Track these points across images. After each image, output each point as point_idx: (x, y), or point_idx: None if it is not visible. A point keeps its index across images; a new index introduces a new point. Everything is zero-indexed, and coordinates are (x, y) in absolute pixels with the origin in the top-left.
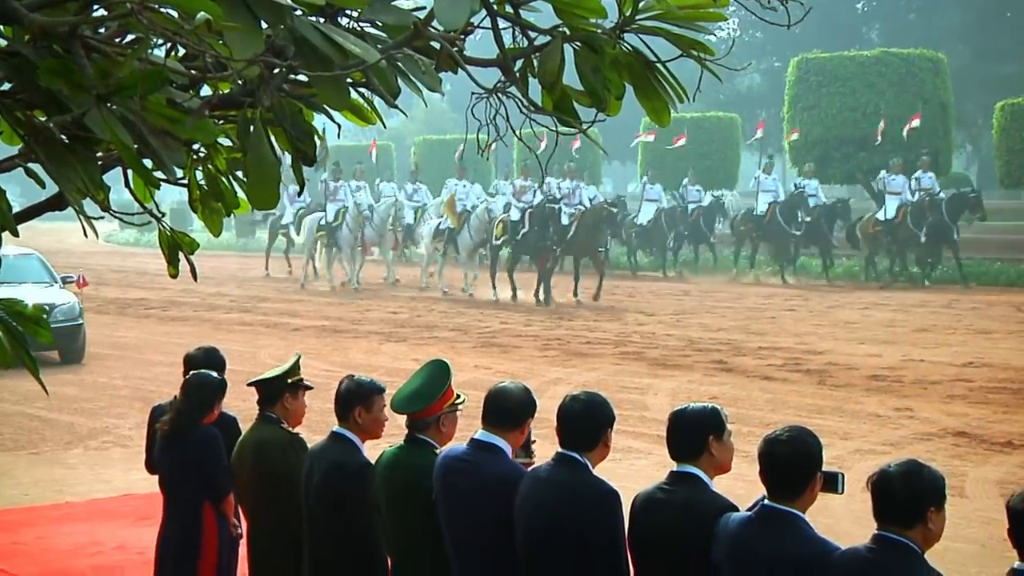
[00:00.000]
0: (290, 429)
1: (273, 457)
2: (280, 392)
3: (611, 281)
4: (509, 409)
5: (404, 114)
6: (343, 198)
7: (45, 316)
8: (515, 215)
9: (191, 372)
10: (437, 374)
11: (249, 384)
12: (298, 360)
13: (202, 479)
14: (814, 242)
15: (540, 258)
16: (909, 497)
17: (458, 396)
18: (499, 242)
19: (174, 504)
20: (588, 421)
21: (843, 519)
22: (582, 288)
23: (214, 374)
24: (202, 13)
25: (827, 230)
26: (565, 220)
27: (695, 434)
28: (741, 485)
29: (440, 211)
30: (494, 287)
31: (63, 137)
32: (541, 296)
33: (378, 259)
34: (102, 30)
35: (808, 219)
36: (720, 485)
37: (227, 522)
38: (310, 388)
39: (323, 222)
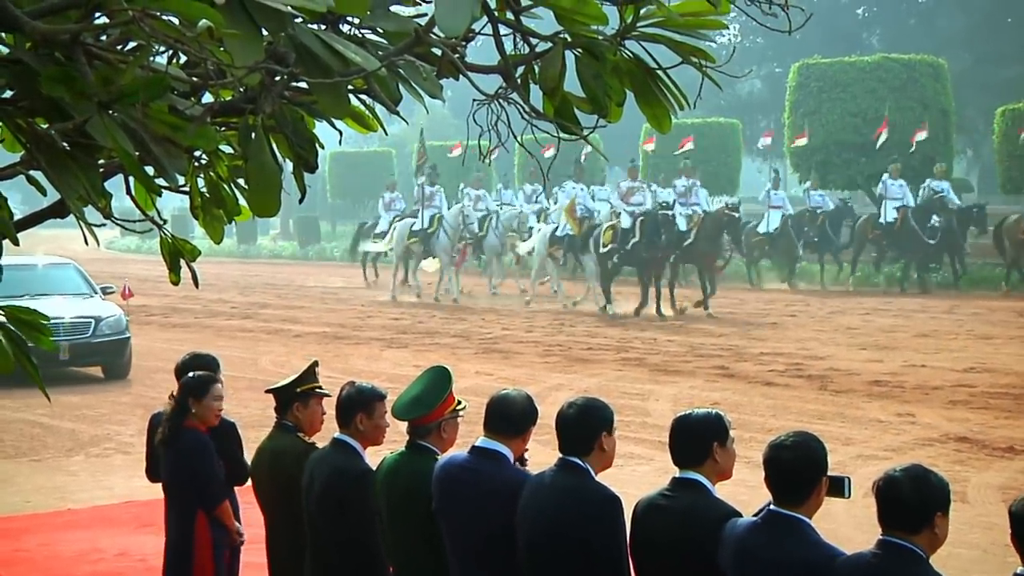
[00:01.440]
0: (306, 439)
1: (287, 466)
2: (290, 400)
3: (728, 293)
4: (511, 416)
5: (405, 121)
6: (438, 204)
7: (45, 322)
8: (626, 221)
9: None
10: (438, 380)
11: (267, 391)
12: (311, 367)
13: (195, 487)
14: (948, 250)
15: (649, 268)
16: (918, 502)
17: (459, 402)
18: (606, 250)
19: (172, 511)
20: (583, 426)
21: (845, 524)
22: (678, 298)
23: (194, 375)
24: (204, 20)
25: (962, 237)
26: (683, 225)
27: (699, 440)
28: (743, 491)
29: (549, 217)
30: (609, 300)
31: (64, 144)
32: (662, 308)
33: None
34: (104, 37)
35: (941, 224)
36: (722, 491)
37: (223, 530)
38: (325, 396)
39: (416, 228)
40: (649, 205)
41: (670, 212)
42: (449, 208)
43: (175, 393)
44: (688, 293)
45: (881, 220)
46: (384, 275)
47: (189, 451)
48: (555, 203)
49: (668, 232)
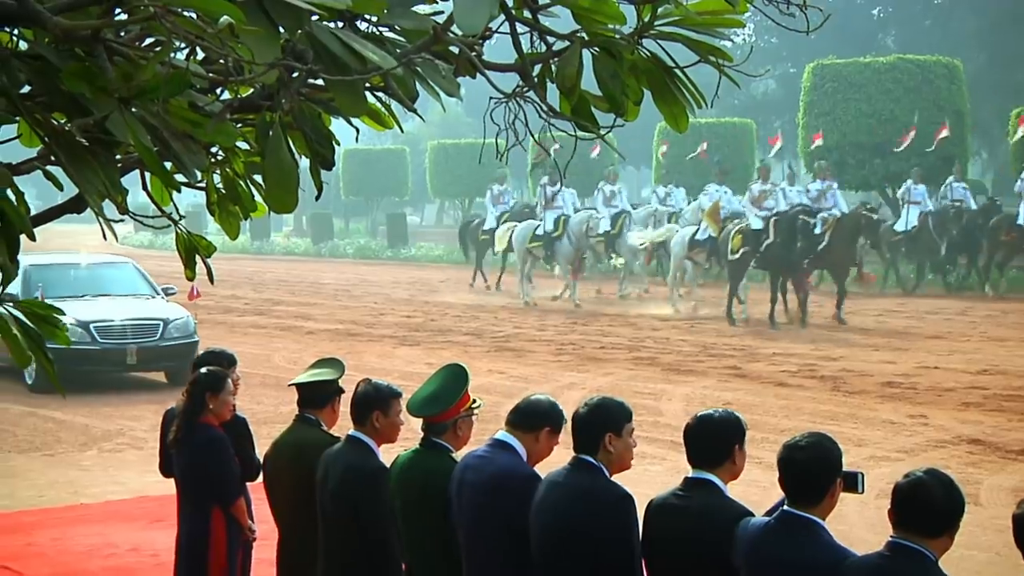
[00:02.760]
0: (331, 432)
1: (314, 460)
2: (331, 396)
3: (868, 301)
4: (526, 412)
5: (421, 119)
6: (561, 205)
7: (59, 316)
8: (756, 223)
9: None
10: (454, 378)
11: (290, 384)
12: (343, 366)
13: (210, 483)
14: (970, 252)
15: (784, 272)
16: (949, 508)
17: (474, 400)
18: (737, 255)
19: (186, 507)
20: (590, 425)
21: (857, 525)
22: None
23: (206, 370)
24: (224, 17)
25: (984, 237)
26: (817, 228)
27: (722, 441)
28: (755, 491)
29: (690, 218)
30: (730, 308)
31: (83, 140)
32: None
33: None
34: (124, 34)
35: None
36: (734, 491)
37: (237, 526)
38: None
39: (539, 232)
40: (783, 207)
41: (811, 220)
42: (576, 210)
43: (189, 388)
44: (816, 298)
45: (901, 226)
46: (504, 279)
47: (205, 447)
48: (689, 204)
49: (805, 235)
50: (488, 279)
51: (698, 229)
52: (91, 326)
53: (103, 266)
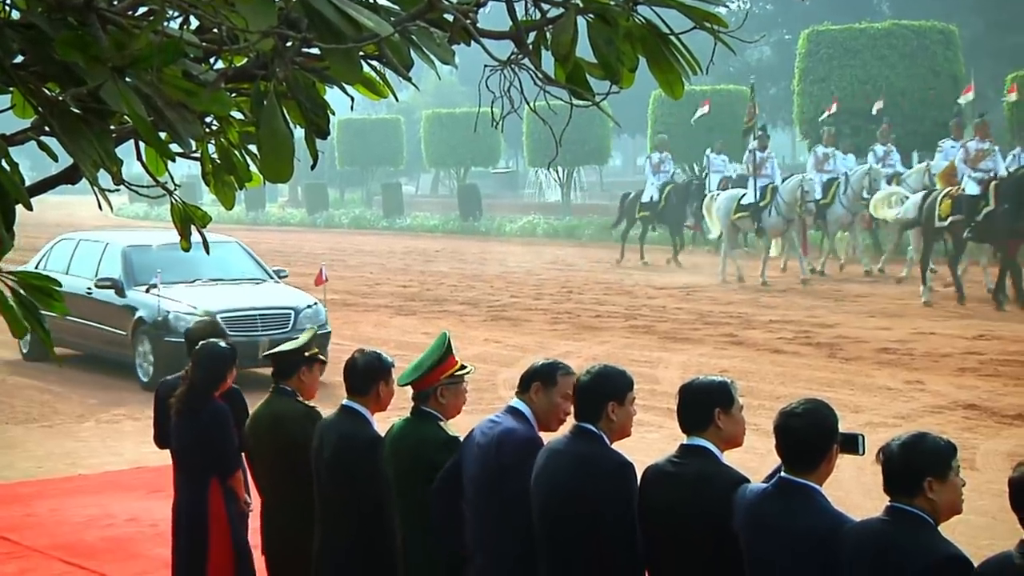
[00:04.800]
0: (306, 402)
1: (291, 431)
2: (296, 365)
3: None
4: (522, 375)
5: (416, 87)
6: (771, 173)
7: (55, 286)
8: (971, 188)
9: (199, 343)
10: (435, 344)
11: (265, 356)
12: (314, 333)
13: (212, 456)
14: None
15: (1011, 244)
16: (904, 467)
17: (463, 367)
18: (945, 223)
19: (185, 479)
20: (593, 393)
21: (853, 491)
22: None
23: (223, 343)
24: None
25: None
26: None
27: (702, 406)
28: (752, 458)
29: (915, 181)
30: (925, 282)
31: (77, 110)
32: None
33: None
34: (117, 2)
35: None
36: (731, 458)
37: (235, 497)
38: (324, 363)
39: (745, 201)
40: (1002, 170)
41: None
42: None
43: (205, 361)
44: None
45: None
46: (634, 255)
47: (213, 420)
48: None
49: None
50: (624, 255)
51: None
52: (218, 316)
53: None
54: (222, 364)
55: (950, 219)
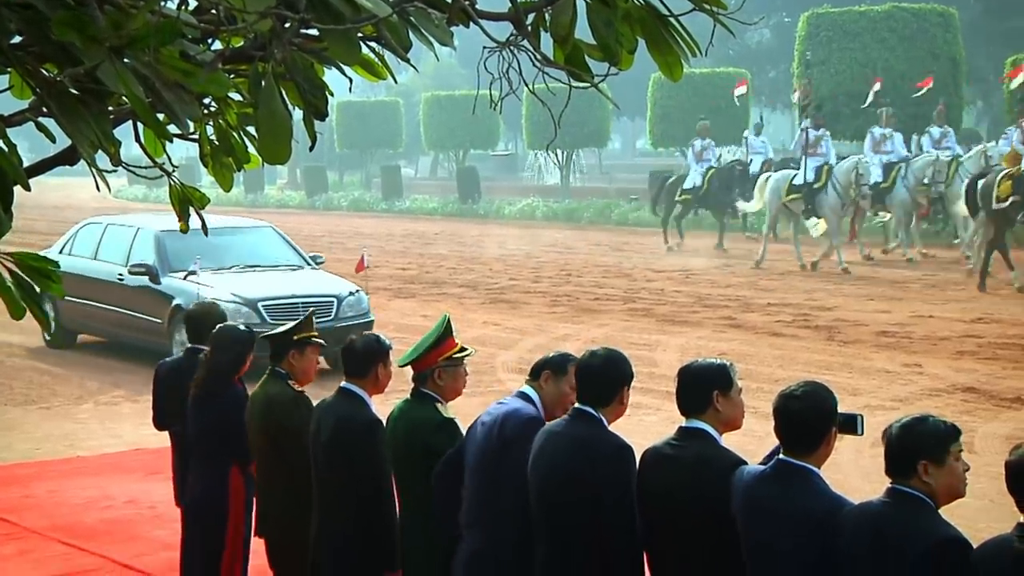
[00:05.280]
0: (296, 387)
1: (278, 414)
2: (286, 348)
3: None
4: (534, 364)
5: (415, 68)
6: (825, 152)
7: (53, 268)
8: None
9: (217, 327)
10: (435, 326)
11: (262, 338)
12: (310, 317)
13: (238, 440)
14: None
15: None
16: (900, 449)
17: (462, 349)
18: (1006, 203)
19: (202, 463)
20: (606, 377)
21: (852, 474)
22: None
23: (242, 326)
24: None
25: None
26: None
27: (700, 388)
28: (750, 441)
29: (972, 164)
30: (984, 269)
31: (75, 90)
32: None
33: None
34: None
35: None
36: (729, 441)
37: (252, 483)
38: (321, 345)
39: (797, 181)
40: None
41: None
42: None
43: (225, 344)
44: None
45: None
46: (689, 240)
47: (234, 405)
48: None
49: None
50: (677, 238)
51: (796, 173)
52: (259, 305)
53: (241, 231)
54: (243, 347)
55: (1010, 199)
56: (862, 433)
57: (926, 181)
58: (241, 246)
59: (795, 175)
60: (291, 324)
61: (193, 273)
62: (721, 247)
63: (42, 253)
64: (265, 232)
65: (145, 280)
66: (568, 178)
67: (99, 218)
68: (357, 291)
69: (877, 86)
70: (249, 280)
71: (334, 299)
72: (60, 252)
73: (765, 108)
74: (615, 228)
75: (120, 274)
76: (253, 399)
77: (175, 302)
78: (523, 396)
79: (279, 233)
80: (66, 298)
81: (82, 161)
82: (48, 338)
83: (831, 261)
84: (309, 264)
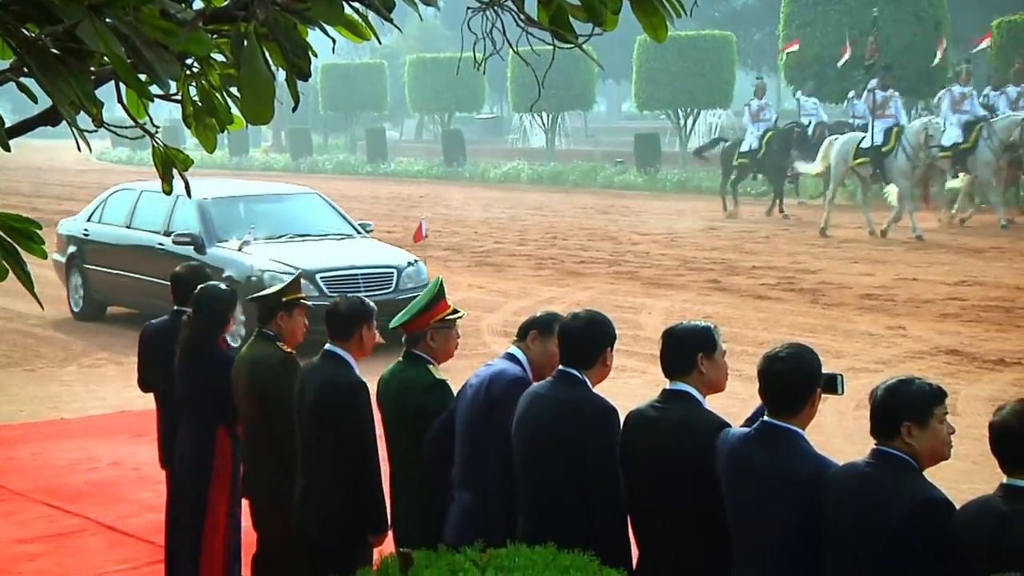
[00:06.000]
0: (285, 348)
1: (265, 376)
2: (274, 310)
3: None
4: (520, 324)
5: (399, 29)
6: (894, 114)
7: (36, 228)
8: None
9: (199, 287)
10: (428, 288)
11: (248, 299)
12: (297, 278)
13: (220, 403)
14: None
15: None
16: (884, 410)
17: (453, 311)
18: None
19: (189, 424)
20: (589, 339)
21: (835, 436)
22: None
23: (223, 285)
24: None
25: None
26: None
27: (684, 351)
28: (734, 403)
29: None
30: None
31: (55, 50)
32: None
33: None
34: None
35: None
36: (713, 403)
37: (239, 445)
38: (308, 307)
39: (864, 144)
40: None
41: None
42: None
43: (206, 303)
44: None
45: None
46: (745, 208)
47: (221, 366)
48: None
49: None
50: (734, 205)
51: (864, 136)
52: (317, 277)
53: (287, 198)
54: (224, 306)
55: None
56: (842, 392)
57: (1012, 140)
58: (288, 214)
59: (863, 138)
60: (280, 285)
61: (247, 243)
62: (784, 214)
63: (72, 219)
64: (311, 199)
65: (189, 250)
66: (553, 141)
67: (133, 184)
68: (416, 261)
69: (944, 45)
70: (302, 250)
71: (394, 270)
72: (89, 219)
73: (751, 71)
74: (600, 191)
75: (161, 242)
76: (239, 360)
77: (225, 274)
78: (510, 357)
79: (327, 200)
80: (97, 268)
81: (64, 123)
82: (76, 310)
83: (902, 227)
84: (359, 232)
